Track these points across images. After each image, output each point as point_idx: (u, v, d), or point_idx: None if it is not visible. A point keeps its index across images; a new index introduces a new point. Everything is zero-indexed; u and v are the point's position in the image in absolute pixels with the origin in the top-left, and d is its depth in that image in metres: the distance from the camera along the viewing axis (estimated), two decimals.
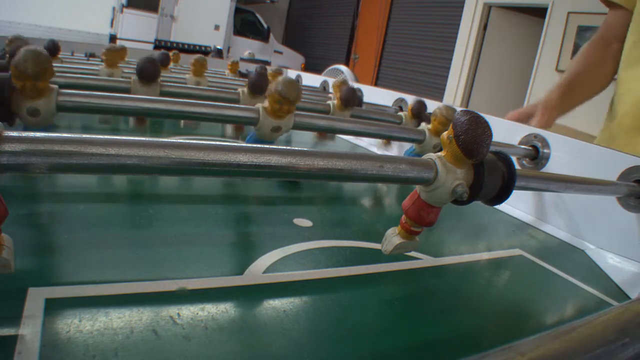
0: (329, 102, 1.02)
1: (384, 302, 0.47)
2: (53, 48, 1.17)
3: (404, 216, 0.49)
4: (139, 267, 0.45)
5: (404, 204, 0.48)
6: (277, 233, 0.62)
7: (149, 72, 0.84)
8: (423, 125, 0.89)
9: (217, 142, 0.37)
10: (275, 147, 0.39)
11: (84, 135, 0.32)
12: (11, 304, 0.35)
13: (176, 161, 0.34)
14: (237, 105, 0.74)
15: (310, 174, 0.40)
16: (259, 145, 0.38)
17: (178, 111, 0.69)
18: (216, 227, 0.61)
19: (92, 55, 1.66)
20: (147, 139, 0.34)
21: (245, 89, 0.93)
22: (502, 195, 0.47)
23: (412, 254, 0.60)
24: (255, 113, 0.70)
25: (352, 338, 0.40)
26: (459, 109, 1.12)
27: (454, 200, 0.45)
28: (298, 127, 0.75)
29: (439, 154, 0.45)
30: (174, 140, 0.35)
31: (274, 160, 0.38)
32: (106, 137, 0.33)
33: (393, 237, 0.50)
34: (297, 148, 0.39)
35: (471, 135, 0.41)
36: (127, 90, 0.85)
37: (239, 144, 0.38)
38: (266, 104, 0.70)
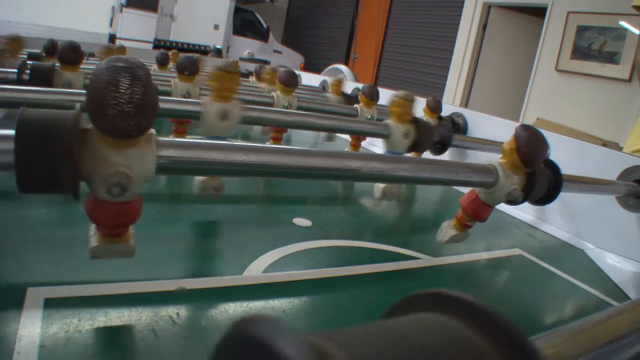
0: (273, 92, 0.96)
1: (383, 302, 0.47)
2: (52, 47, 1.16)
3: (460, 211, 0.54)
4: (138, 267, 0.45)
5: (461, 200, 0.54)
6: (277, 233, 0.61)
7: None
8: (385, 119, 0.81)
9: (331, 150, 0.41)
10: (347, 151, 0.43)
11: (225, 142, 0.36)
12: (10, 304, 0.35)
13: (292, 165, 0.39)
14: (182, 99, 0.70)
15: (386, 177, 0.45)
16: (336, 150, 0.43)
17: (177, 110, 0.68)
18: (215, 226, 0.60)
19: (91, 55, 1.66)
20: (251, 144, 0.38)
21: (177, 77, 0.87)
22: (548, 198, 0.54)
23: (412, 253, 0.60)
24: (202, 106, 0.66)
25: None
26: (460, 109, 1.12)
27: (508, 201, 0.51)
28: (270, 122, 0.71)
29: (499, 160, 0.50)
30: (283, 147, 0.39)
31: (353, 164, 0.42)
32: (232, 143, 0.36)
33: (449, 229, 0.55)
34: (374, 153, 0.44)
35: (532, 148, 0.47)
36: None
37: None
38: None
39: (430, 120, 1.02)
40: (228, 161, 0.36)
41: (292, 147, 0.38)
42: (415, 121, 0.76)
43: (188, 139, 0.36)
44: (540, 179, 0.51)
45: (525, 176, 0.51)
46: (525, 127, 0.49)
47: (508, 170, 0.50)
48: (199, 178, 0.61)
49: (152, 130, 0.33)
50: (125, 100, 0.28)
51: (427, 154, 0.89)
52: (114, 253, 0.37)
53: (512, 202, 0.51)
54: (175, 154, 0.34)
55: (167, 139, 0.34)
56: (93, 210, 0.33)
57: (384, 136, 0.77)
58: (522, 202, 0.52)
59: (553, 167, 0.55)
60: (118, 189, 0.31)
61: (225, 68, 0.64)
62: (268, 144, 0.38)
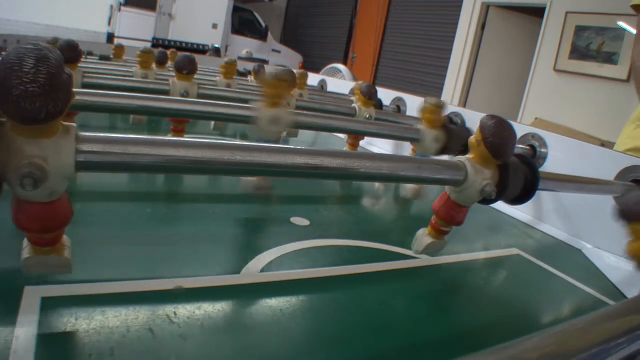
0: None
1: (381, 302, 0.47)
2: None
3: (434, 217, 0.50)
4: (136, 266, 0.45)
5: (434, 205, 0.50)
6: (274, 232, 0.61)
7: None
8: (416, 124, 0.86)
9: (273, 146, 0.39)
10: (323, 149, 0.42)
11: (153, 137, 0.34)
12: (7, 303, 0.35)
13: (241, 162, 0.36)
14: (181, 99, 0.71)
15: (352, 175, 0.43)
16: (314, 149, 0.41)
17: (144, 107, 0.66)
18: (213, 225, 0.60)
19: (90, 54, 1.65)
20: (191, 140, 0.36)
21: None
22: (525, 195, 0.50)
23: (409, 253, 0.60)
24: (251, 111, 0.68)
25: (349, 338, 0.40)
26: (458, 109, 1.12)
27: (482, 200, 0.48)
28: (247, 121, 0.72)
29: (468, 156, 0.47)
30: (240, 143, 0.37)
31: (327, 162, 0.40)
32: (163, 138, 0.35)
33: (424, 238, 0.51)
34: (339, 150, 0.42)
35: (498, 137, 0.45)
36: None
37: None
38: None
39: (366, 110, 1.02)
40: (158, 156, 0.33)
41: (231, 142, 0.37)
42: (445, 127, 0.80)
43: (112, 135, 0.33)
44: (514, 172, 0.48)
45: (498, 170, 0.48)
46: (490, 117, 0.46)
47: (478, 165, 0.47)
48: (251, 178, 0.62)
49: (74, 124, 0.31)
50: (29, 79, 0.27)
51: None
52: (46, 267, 0.34)
53: (486, 200, 0.47)
54: (99, 149, 0.32)
55: (90, 134, 0.32)
56: (16, 213, 0.31)
57: (415, 140, 0.82)
58: (497, 199, 0.48)
59: (528, 163, 0.51)
60: (31, 181, 0.28)
61: (280, 77, 0.66)
62: (196, 139, 0.36)
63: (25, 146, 0.29)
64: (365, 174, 0.42)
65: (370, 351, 0.38)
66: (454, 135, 0.83)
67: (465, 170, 0.46)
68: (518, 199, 0.51)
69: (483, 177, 0.46)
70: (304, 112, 0.80)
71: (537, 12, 4.33)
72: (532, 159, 0.51)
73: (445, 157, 0.72)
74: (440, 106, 0.81)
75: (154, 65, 1.32)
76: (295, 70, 0.88)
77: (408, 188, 0.77)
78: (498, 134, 0.45)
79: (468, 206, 0.49)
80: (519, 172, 0.49)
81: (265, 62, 4.31)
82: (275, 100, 0.64)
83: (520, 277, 0.63)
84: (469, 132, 0.91)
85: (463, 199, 0.48)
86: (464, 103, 4.91)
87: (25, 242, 0.34)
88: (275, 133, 0.66)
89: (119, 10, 5.74)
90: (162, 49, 1.46)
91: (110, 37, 5.56)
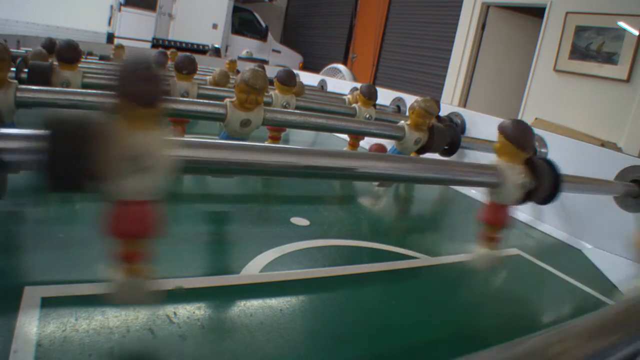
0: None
1: (381, 301, 0.47)
2: (50, 46, 1.16)
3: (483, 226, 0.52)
4: None
5: (482, 214, 0.52)
6: (274, 232, 0.61)
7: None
8: (402, 122, 0.84)
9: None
10: (352, 151, 0.42)
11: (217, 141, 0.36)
12: (7, 303, 0.35)
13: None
14: (204, 101, 0.71)
15: (390, 177, 0.46)
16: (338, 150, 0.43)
17: None
18: (213, 226, 0.60)
19: (90, 54, 1.65)
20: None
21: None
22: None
23: (409, 252, 0.60)
24: (223, 108, 0.67)
25: (349, 337, 0.40)
26: (458, 109, 1.12)
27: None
28: (269, 122, 0.72)
29: (498, 159, 0.51)
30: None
31: (355, 164, 0.42)
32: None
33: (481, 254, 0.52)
34: (375, 153, 0.44)
35: (517, 132, 0.50)
36: None
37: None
38: (234, 97, 0.68)
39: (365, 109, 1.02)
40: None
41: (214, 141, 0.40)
42: (432, 128, 0.79)
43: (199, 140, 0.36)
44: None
45: (527, 169, 0.51)
46: (510, 119, 0.52)
47: (510, 164, 0.51)
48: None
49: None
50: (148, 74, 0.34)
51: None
52: (135, 290, 0.33)
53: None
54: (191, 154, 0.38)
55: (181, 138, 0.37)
56: (115, 218, 0.33)
57: (397, 138, 0.81)
58: (525, 201, 0.51)
59: (552, 164, 0.54)
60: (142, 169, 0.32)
61: (253, 84, 0.66)
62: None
63: (134, 137, 0.32)
64: (408, 176, 0.46)
65: (371, 351, 0.38)
66: (437, 135, 0.81)
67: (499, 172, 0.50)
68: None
69: (518, 173, 0.50)
70: (279, 111, 0.78)
71: (537, 12, 4.32)
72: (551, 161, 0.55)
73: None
74: (430, 111, 0.78)
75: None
76: (296, 71, 0.88)
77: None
78: (514, 126, 0.50)
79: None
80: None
81: (265, 62, 4.31)
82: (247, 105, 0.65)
83: (521, 277, 0.63)
84: (454, 131, 0.90)
85: (504, 199, 0.50)
86: (464, 103, 4.91)
87: (109, 268, 0.34)
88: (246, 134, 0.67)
89: (119, 10, 5.74)
90: (161, 49, 1.46)
91: (110, 37, 5.56)
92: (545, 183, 0.52)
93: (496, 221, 0.52)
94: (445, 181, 0.50)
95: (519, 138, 0.50)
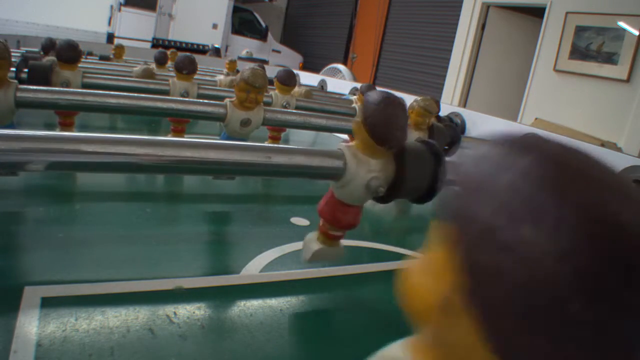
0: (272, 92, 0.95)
1: (381, 301, 0.47)
2: (50, 46, 1.16)
3: (322, 219, 0.42)
4: (136, 266, 0.45)
5: (318, 204, 0.41)
6: (274, 232, 0.61)
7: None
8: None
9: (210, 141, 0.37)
10: (161, 138, 0.41)
11: (82, 134, 0.33)
12: (7, 303, 0.35)
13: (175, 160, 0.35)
14: (204, 101, 0.71)
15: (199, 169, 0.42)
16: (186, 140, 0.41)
17: (140, 106, 0.67)
18: (213, 225, 0.60)
19: (90, 54, 1.65)
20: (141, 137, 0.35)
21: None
22: (429, 195, 0.38)
23: (409, 252, 0.60)
24: (223, 108, 0.67)
25: (348, 336, 0.40)
26: (458, 109, 1.12)
27: (375, 198, 0.38)
28: (269, 122, 0.71)
29: (351, 143, 0.38)
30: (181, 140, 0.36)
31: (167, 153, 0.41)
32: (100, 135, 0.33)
33: (311, 244, 0.42)
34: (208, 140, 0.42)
35: (380, 117, 0.34)
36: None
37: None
38: (233, 97, 0.68)
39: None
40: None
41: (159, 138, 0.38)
42: (431, 128, 0.79)
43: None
44: (413, 163, 0.34)
45: (393, 161, 0.36)
46: (376, 92, 0.34)
47: (361, 154, 0.36)
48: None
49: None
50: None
51: None
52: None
53: (382, 198, 0.36)
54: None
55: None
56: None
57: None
58: (389, 198, 0.36)
59: (433, 149, 0.37)
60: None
61: (253, 82, 0.66)
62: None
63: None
64: (223, 167, 0.39)
65: (371, 351, 0.38)
66: (437, 135, 0.81)
67: (344, 160, 0.36)
68: (422, 199, 0.38)
69: (368, 169, 0.36)
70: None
71: (537, 12, 4.32)
72: (435, 144, 0.37)
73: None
74: (430, 110, 0.78)
75: (153, 65, 1.32)
76: (295, 71, 0.88)
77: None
78: (379, 112, 0.33)
79: (357, 205, 0.39)
80: (420, 161, 0.37)
81: (265, 62, 4.30)
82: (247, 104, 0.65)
83: None
84: (454, 130, 0.91)
85: (347, 196, 0.38)
86: (464, 103, 4.91)
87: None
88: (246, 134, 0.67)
89: (119, 10, 5.73)
90: (162, 49, 1.46)
91: (110, 37, 5.56)
92: (413, 179, 0.38)
93: (337, 221, 0.39)
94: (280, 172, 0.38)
95: (380, 130, 0.34)
